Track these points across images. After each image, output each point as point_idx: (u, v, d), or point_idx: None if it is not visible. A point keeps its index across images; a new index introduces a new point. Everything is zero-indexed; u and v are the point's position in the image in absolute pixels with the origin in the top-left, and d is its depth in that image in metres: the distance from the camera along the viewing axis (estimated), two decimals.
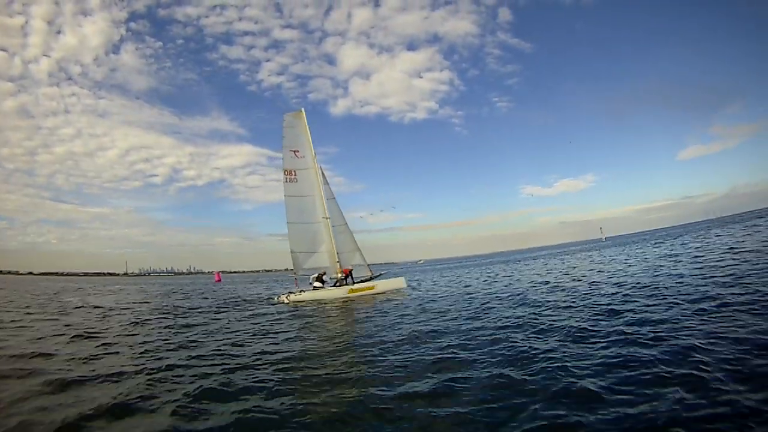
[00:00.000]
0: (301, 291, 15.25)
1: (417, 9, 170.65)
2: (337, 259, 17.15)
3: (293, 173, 17.93)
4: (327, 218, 17.53)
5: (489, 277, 21.17)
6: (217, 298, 19.52)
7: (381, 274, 17.89)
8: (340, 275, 16.47)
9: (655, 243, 32.34)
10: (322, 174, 18.20)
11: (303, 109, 18.80)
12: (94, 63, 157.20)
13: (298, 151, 18.31)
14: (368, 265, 17.88)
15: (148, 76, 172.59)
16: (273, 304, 14.55)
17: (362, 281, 16.78)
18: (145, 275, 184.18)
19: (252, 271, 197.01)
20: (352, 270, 16.64)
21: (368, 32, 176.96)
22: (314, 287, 15.52)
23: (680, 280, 9.57)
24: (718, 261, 11.93)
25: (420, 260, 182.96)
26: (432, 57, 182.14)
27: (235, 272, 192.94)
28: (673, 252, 19.12)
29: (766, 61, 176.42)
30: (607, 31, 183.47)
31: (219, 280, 54.22)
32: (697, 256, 14.43)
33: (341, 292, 15.43)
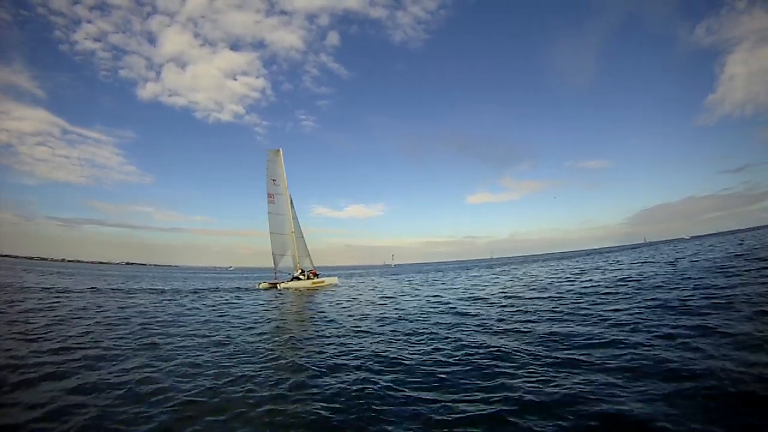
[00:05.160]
0: (287, 281, 22.88)
1: (252, 11, 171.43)
2: (297, 261, 25.17)
3: (273, 196, 24.95)
4: (293, 232, 25.32)
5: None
6: None
7: (320, 274, 26.82)
8: (305, 273, 24.68)
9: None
10: (291, 199, 25.86)
11: (281, 149, 26.01)
12: None
13: (275, 180, 25.36)
14: (314, 267, 26.51)
15: None
16: (257, 290, 21.61)
17: (309, 277, 25.42)
18: None
19: (26, 258, 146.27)
20: (313, 272, 25.16)
21: (197, 21, 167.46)
22: (295, 278, 23.40)
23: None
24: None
25: (230, 267, 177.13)
26: (252, 62, 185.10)
27: (6, 256, 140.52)
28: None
29: (557, 130, 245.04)
30: (423, 77, 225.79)
31: None
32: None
33: (308, 283, 23.82)
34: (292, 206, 25.78)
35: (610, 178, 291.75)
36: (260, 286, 22.73)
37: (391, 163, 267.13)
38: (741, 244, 26.50)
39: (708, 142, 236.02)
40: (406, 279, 29.73)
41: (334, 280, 26.78)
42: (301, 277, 23.88)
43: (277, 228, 24.69)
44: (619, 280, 13.17)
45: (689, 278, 11.23)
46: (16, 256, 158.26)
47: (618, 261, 26.40)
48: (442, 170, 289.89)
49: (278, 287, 21.97)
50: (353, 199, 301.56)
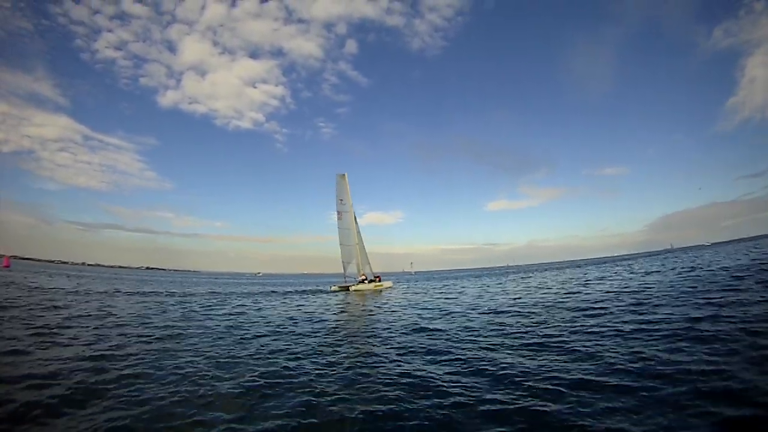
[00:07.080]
0: (356, 284, 27.76)
1: (270, 19, 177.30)
2: (361, 268, 30.04)
3: (340, 213, 29.94)
4: (357, 244, 30.23)
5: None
6: None
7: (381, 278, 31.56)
8: (371, 277, 29.53)
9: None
10: (355, 216, 30.80)
11: (346, 173, 31.01)
12: None
13: (342, 200, 30.38)
14: (373, 272, 31.31)
15: None
16: (332, 292, 26.40)
17: (371, 281, 30.21)
18: None
19: (47, 261, 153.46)
20: (378, 277, 29.99)
21: (216, 29, 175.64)
22: (361, 282, 28.29)
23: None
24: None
25: (259, 273, 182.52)
26: (271, 70, 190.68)
27: (28, 259, 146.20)
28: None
29: (575, 137, 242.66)
30: (440, 84, 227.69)
31: (8, 266, 50.51)
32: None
33: (372, 286, 28.63)
34: (356, 222, 30.75)
35: (629, 186, 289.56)
36: (332, 288, 27.61)
37: (409, 170, 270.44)
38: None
39: (728, 147, 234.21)
40: (436, 284, 34.35)
41: (389, 284, 31.57)
42: (365, 281, 28.74)
43: (345, 240, 29.63)
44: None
45: None
46: (37, 260, 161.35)
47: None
48: (459, 177, 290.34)
49: (350, 289, 26.81)
50: (372, 205, 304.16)
